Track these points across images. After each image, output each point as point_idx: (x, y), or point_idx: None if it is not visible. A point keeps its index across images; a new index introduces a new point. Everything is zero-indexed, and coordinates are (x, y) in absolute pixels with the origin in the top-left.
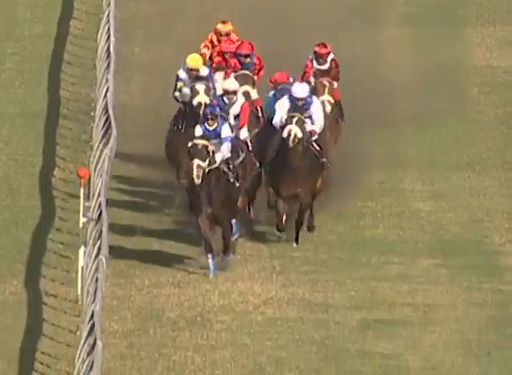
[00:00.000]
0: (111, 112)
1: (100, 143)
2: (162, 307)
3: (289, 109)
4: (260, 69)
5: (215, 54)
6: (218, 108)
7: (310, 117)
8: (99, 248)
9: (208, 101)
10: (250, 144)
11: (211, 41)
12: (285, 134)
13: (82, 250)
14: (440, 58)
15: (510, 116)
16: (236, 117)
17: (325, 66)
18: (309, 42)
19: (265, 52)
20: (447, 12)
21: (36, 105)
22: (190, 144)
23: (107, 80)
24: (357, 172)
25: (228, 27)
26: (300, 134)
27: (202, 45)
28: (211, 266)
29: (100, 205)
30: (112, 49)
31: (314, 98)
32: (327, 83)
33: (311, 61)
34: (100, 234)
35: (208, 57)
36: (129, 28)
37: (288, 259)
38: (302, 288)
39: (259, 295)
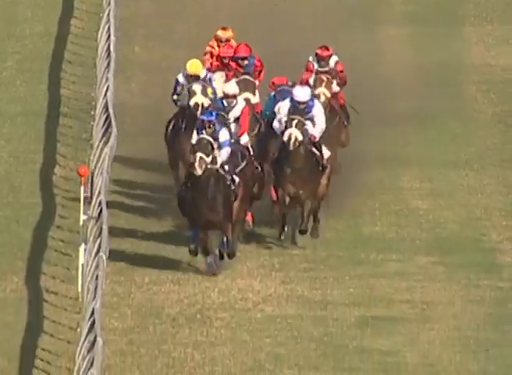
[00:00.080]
0: (111, 110)
1: (100, 141)
2: (162, 304)
3: (289, 111)
4: (260, 71)
5: (213, 59)
6: (215, 114)
7: (311, 120)
8: (99, 246)
9: (205, 103)
10: (251, 148)
11: (213, 47)
12: (285, 138)
13: (82, 247)
14: (439, 56)
15: (508, 114)
16: (236, 120)
17: (327, 69)
18: (309, 42)
19: (265, 52)
20: (446, 11)
21: (37, 104)
22: (194, 140)
23: (107, 79)
24: (355, 170)
25: (228, 34)
26: (300, 137)
27: (206, 51)
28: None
29: (100, 202)
30: (112, 48)
31: (316, 101)
32: (325, 78)
33: (312, 63)
34: (100, 232)
35: (209, 64)
36: (129, 27)
37: (287, 257)
38: (301, 285)
39: (258, 292)
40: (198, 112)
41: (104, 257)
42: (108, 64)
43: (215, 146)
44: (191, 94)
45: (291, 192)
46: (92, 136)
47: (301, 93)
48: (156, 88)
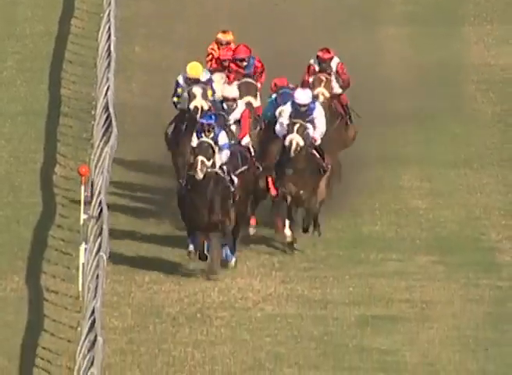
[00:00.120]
0: (111, 110)
1: (100, 141)
2: (162, 303)
3: (290, 115)
4: (262, 72)
5: (212, 61)
6: (214, 117)
7: (312, 122)
8: (100, 245)
9: (204, 106)
10: (252, 149)
11: (213, 50)
12: (286, 144)
13: (83, 247)
14: (438, 56)
15: (507, 113)
16: (236, 122)
17: (328, 71)
18: (309, 42)
19: (265, 52)
20: (445, 10)
21: (37, 104)
22: (195, 143)
23: (107, 79)
24: (355, 170)
25: (228, 37)
26: (301, 143)
27: (207, 54)
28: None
29: (101, 202)
30: (112, 48)
31: (317, 103)
32: (324, 78)
33: (313, 66)
34: (101, 231)
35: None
36: (129, 27)
37: (287, 256)
38: (301, 285)
39: (258, 292)
40: (198, 116)
41: (104, 256)
42: (109, 64)
43: (216, 149)
44: (191, 97)
45: (292, 192)
46: (92, 135)
47: (302, 96)
48: (156, 88)
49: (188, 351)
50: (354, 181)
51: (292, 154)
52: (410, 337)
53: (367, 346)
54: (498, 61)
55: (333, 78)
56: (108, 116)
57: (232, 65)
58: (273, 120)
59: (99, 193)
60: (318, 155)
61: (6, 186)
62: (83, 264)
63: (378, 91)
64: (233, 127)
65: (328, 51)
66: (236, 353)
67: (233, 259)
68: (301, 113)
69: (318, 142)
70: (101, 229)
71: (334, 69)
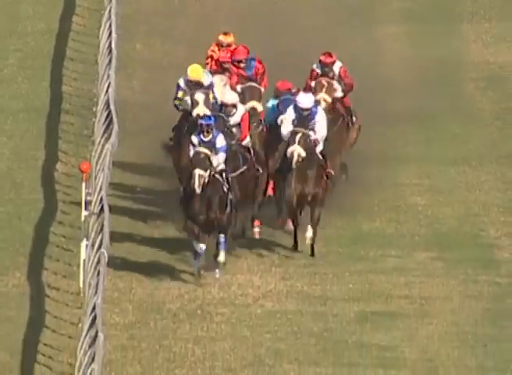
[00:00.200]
0: (112, 107)
1: (101, 138)
2: (163, 299)
3: (293, 120)
4: (263, 74)
5: (212, 63)
6: (213, 119)
7: (313, 126)
8: (101, 242)
9: (207, 113)
10: (252, 149)
11: (213, 51)
12: (288, 155)
13: (84, 243)
14: (437, 54)
15: (506, 111)
16: (237, 125)
17: (330, 75)
18: (309, 42)
19: (265, 52)
20: (444, 8)
21: (38, 101)
22: (192, 153)
23: (108, 76)
24: (355, 169)
25: (229, 39)
26: (303, 154)
27: (207, 56)
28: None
29: (101, 198)
30: (113, 45)
31: (319, 107)
32: (325, 83)
33: (316, 70)
34: (101, 228)
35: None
36: (130, 24)
37: (287, 253)
38: (301, 281)
39: (258, 288)
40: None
41: (105, 253)
42: (110, 61)
43: (212, 157)
44: (194, 104)
45: (297, 191)
46: (93, 132)
47: (305, 100)
48: (157, 85)
49: (189, 347)
50: (354, 179)
51: (293, 165)
52: (409, 333)
53: (366, 342)
54: (497, 58)
55: (335, 82)
56: (109, 113)
57: (232, 67)
58: (274, 124)
59: (100, 190)
60: (321, 157)
61: (8, 182)
62: (84, 260)
63: (378, 91)
64: (234, 130)
65: (330, 55)
66: (237, 349)
67: (223, 255)
68: (304, 118)
69: (320, 145)
70: (102, 225)
71: (336, 73)
